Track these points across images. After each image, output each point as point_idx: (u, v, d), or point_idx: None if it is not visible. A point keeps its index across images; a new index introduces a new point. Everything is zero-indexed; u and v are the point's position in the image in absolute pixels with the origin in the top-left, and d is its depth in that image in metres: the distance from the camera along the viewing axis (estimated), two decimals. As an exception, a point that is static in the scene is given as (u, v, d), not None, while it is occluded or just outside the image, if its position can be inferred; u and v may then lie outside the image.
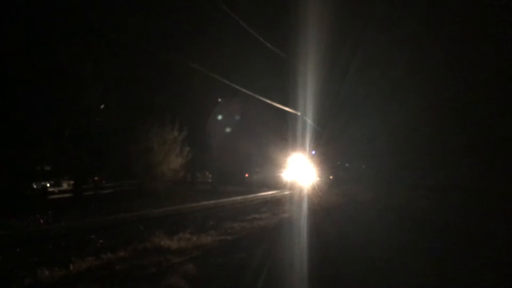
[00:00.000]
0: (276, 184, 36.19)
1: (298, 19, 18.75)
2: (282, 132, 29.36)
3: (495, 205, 16.49)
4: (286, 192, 29.30)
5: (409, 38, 27.36)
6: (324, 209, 17.09)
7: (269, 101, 17.16)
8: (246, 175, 45.36)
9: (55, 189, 28.77)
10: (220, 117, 34.04)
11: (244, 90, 15.68)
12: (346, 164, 47.86)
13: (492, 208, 15.92)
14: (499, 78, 23.75)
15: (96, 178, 29.85)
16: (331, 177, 39.60)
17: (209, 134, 33.07)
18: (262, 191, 31.80)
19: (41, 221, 14.56)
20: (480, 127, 24.54)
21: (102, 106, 23.98)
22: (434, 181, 26.11)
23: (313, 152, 28.76)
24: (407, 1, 27.40)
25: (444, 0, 25.58)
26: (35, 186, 26.00)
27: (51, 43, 20.20)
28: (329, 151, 33.35)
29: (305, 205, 18.18)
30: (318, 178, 32.14)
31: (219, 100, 33.58)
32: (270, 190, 33.65)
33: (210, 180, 41.42)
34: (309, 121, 22.83)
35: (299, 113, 21.88)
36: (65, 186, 30.85)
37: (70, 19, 20.36)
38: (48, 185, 28.50)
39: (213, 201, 22.59)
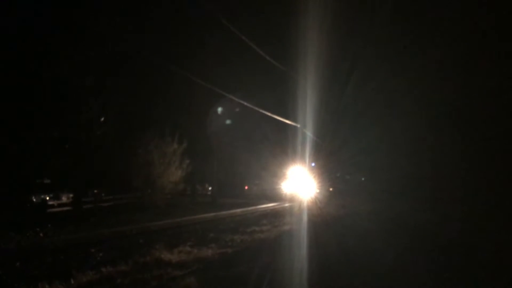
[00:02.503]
0: (276, 196, 36.14)
1: (298, 33, 19.03)
2: (282, 144, 29.46)
3: (490, 216, 16.64)
4: (286, 204, 29.25)
5: (407, 52, 27.71)
6: (324, 221, 17.07)
7: (268, 114, 17.25)
8: (246, 187, 45.33)
9: (55, 202, 28.67)
10: (220, 128, 34.06)
11: (244, 103, 15.81)
12: (347, 177, 47.90)
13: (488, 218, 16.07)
14: (497, 90, 23.97)
15: (95, 191, 29.79)
16: (330, 189, 39.55)
17: (209, 146, 33.08)
18: (262, 203, 31.71)
19: (41, 234, 14.51)
20: (478, 139, 24.68)
21: (102, 119, 24.06)
22: (433, 192, 26.16)
23: (313, 164, 28.76)
24: (405, 15, 27.82)
25: (441, 13, 25.97)
26: (34, 199, 25.95)
27: (51, 55, 20.37)
28: (328, 163, 33.38)
29: (305, 218, 18.14)
30: (317, 190, 32.08)
31: (219, 109, 33.61)
32: (270, 202, 33.55)
33: (210, 193, 41.31)
34: (309, 133, 22.92)
35: (298, 125, 21.97)
36: (64, 199, 30.73)
37: (71, 31, 20.57)
38: (47, 198, 28.42)
39: (213, 214, 22.53)
